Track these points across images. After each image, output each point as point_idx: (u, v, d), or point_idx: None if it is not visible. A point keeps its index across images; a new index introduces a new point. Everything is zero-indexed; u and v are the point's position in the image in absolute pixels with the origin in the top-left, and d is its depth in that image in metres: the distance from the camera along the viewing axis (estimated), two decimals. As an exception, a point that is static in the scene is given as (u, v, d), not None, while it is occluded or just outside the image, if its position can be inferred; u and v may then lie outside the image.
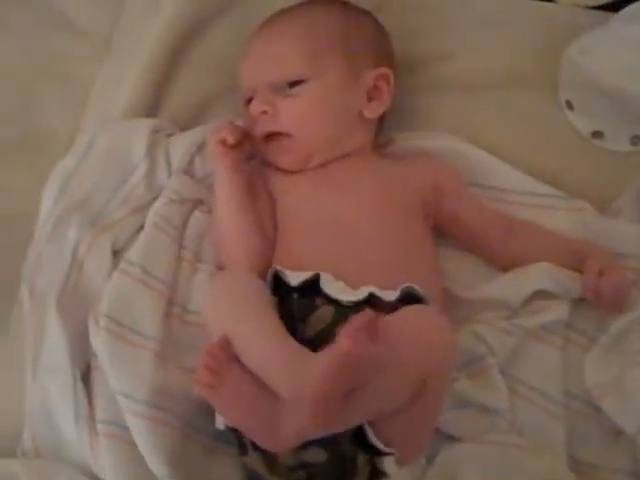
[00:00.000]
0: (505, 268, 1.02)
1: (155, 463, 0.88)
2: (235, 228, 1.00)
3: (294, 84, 1.00)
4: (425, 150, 1.09)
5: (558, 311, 0.96)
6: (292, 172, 1.03)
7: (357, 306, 0.87)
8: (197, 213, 1.05)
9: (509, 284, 0.99)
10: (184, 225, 1.04)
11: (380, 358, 0.76)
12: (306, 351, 0.80)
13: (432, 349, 0.81)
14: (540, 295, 0.98)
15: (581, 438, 0.94)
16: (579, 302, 0.98)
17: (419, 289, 0.87)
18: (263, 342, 0.81)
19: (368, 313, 0.75)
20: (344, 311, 0.87)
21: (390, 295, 0.87)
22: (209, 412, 0.90)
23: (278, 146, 1.02)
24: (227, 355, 0.82)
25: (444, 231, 1.04)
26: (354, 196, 0.99)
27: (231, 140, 0.98)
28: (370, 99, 1.04)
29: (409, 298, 0.87)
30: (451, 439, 0.94)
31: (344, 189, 1.00)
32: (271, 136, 1.02)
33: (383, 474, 0.84)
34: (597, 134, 1.07)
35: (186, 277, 1.01)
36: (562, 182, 1.06)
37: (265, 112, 1.00)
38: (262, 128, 1.01)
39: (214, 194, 1.04)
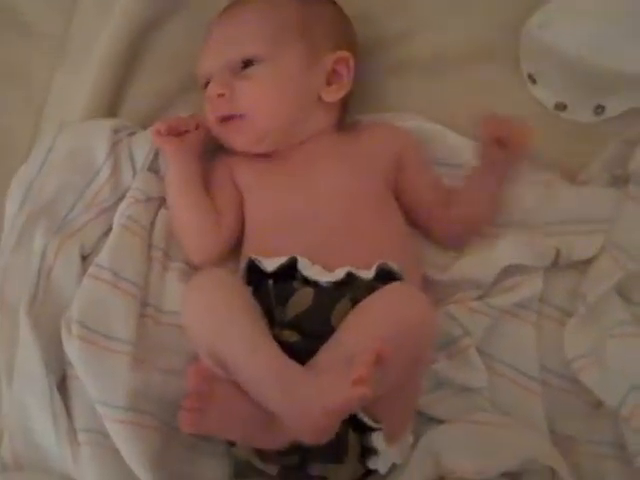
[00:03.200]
0: (450, 239, 1.03)
1: (139, 467, 0.88)
2: (186, 218, 1.01)
3: (249, 65, 1.00)
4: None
5: (531, 287, 0.96)
6: (258, 162, 1.02)
7: (336, 286, 0.88)
8: (164, 211, 1.04)
9: (479, 262, 0.98)
10: (152, 224, 1.03)
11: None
12: (300, 370, 0.79)
13: (417, 327, 0.81)
14: (511, 270, 0.97)
15: (560, 412, 0.94)
16: (551, 275, 0.98)
17: (394, 265, 0.88)
18: (254, 359, 0.80)
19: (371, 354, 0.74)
20: (324, 292, 0.87)
21: (367, 274, 0.88)
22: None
23: (232, 127, 1.01)
24: (209, 378, 0.80)
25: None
26: (322, 183, 0.98)
27: (163, 128, 1.00)
28: (329, 83, 1.03)
29: (385, 275, 0.88)
30: (434, 421, 0.94)
31: (312, 177, 0.99)
32: (227, 118, 1.01)
33: (373, 451, 0.84)
34: (560, 106, 1.06)
35: (158, 276, 1.00)
36: (528, 156, 1.04)
37: (222, 94, 0.99)
38: (219, 110, 1.01)
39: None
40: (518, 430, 0.91)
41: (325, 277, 0.88)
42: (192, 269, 1.02)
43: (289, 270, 0.89)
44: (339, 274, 0.88)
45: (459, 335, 0.95)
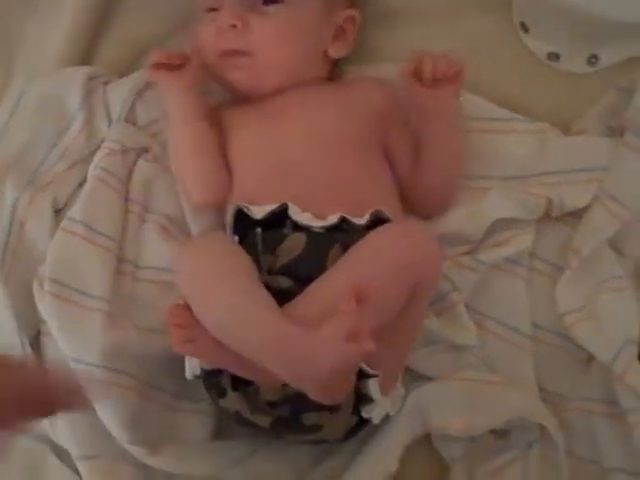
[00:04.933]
0: (427, 207, 0.98)
1: (115, 427, 0.86)
2: (188, 158, 0.96)
3: (269, 2, 0.94)
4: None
5: (521, 241, 0.93)
6: (245, 106, 0.98)
7: (329, 231, 0.85)
8: (141, 162, 1.00)
9: (468, 216, 0.95)
10: (129, 176, 0.99)
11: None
12: (295, 331, 0.72)
13: (423, 254, 0.79)
14: (502, 223, 0.94)
15: (551, 369, 0.92)
16: (542, 229, 0.95)
17: (387, 213, 0.86)
18: (245, 331, 0.75)
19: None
20: (316, 237, 0.85)
21: (360, 220, 0.85)
22: (168, 369, 0.88)
23: (234, 63, 0.95)
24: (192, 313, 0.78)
25: None
26: (309, 128, 0.94)
27: (163, 59, 0.94)
28: (335, 39, 1.00)
29: (378, 223, 0.84)
30: (423, 378, 0.92)
31: (298, 125, 0.95)
32: (229, 53, 0.95)
33: (368, 400, 0.81)
34: (553, 56, 1.02)
35: (135, 231, 0.96)
36: (521, 107, 1.02)
37: (235, 26, 0.93)
38: (226, 44, 0.94)
39: (158, 140, 1.01)
40: (507, 387, 0.89)
41: (317, 222, 0.86)
42: (171, 222, 0.98)
43: (278, 218, 0.86)
44: (332, 219, 0.85)
45: (447, 291, 0.92)
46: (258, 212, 0.87)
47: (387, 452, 0.86)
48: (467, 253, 0.94)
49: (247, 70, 0.95)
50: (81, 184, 0.97)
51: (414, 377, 0.92)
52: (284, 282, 0.81)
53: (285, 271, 0.82)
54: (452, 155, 0.96)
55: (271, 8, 0.94)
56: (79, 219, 0.92)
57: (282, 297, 0.78)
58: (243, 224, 0.88)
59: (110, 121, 1.01)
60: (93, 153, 0.99)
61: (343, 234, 0.84)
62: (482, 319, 0.93)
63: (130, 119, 1.03)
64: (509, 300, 0.94)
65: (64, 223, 0.93)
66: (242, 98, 1.00)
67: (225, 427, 0.94)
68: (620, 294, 0.90)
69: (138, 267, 0.95)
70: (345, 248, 0.81)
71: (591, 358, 0.90)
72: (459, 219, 0.95)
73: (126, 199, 0.97)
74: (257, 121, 0.96)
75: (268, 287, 0.79)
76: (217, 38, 0.94)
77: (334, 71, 1.06)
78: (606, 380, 0.88)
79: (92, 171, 0.96)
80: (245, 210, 0.88)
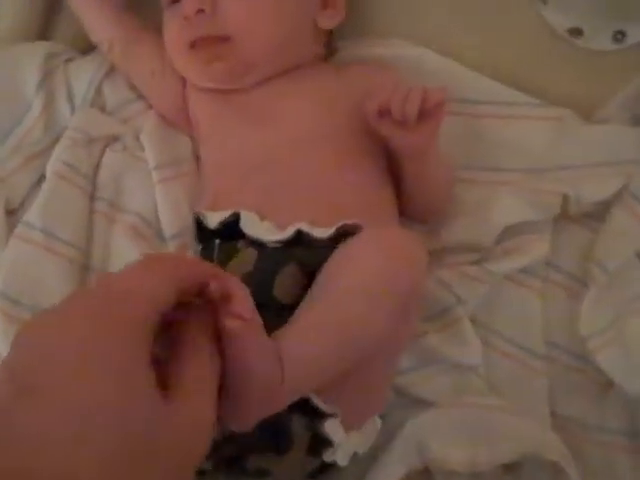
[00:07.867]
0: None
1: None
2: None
3: None
4: (375, 59, 0.94)
5: (537, 249, 0.84)
6: (218, 93, 0.88)
7: (284, 247, 0.75)
8: (109, 153, 0.89)
9: (476, 224, 0.86)
10: (95, 170, 0.88)
11: None
12: None
13: (406, 264, 0.69)
14: (514, 227, 0.85)
15: (566, 393, 0.84)
16: (559, 234, 0.87)
17: (361, 226, 0.74)
18: None
19: None
20: (268, 254, 0.74)
21: (322, 232, 0.74)
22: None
23: (210, 52, 0.84)
24: None
25: None
26: (285, 123, 0.84)
27: None
28: (324, 6, 0.89)
29: (346, 234, 0.73)
30: (421, 403, 0.83)
31: (276, 119, 0.85)
32: (201, 42, 0.84)
33: (327, 442, 0.70)
34: (575, 31, 0.92)
35: (102, 234, 0.86)
36: (536, 89, 0.93)
37: (202, 10, 0.82)
38: (195, 31, 0.83)
39: (131, 127, 0.92)
40: (516, 416, 0.80)
41: (272, 236, 0.75)
42: (143, 222, 0.87)
43: (234, 228, 0.77)
44: (288, 232, 0.75)
45: (451, 304, 0.83)
46: (212, 221, 0.79)
47: (381, 487, 0.78)
48: (475, 262, 0.85)
49: (228, 59, 0.84)
50: (39, 182, 0.88)
51: (411, 402, 0.83)
52: None
53: None
54: (434, 190, 0.87)
55: None
56: (37, 225, 0.82)
57: None
58: (203, 233, 0.81)
59: (73, 106, 0.91)
60: (53, 145, 0.89)
61: (301, 250, 0.74)
62: (489, 336, 0.85)
63: (97, 103, 0.93)
64: (521, 315, 0.85)
65: (20, 229, 0.83)
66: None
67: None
68: (650, 315, 0.81)
69: (106, 277, 0.86)
70: (303, 267, 0.72)
71: (611, 383, 0.81)
72: (467, 228, 0.86)
73: (92, 198, 0.87)
74: (229, 111, 0.87)
75: None
76: (184, 29, 0.84)
77: (330, 46, 0.95)
78: (630, 409, 0.81)
79: (51, 166, 0.86)
80: (201, 218, 0.81)
